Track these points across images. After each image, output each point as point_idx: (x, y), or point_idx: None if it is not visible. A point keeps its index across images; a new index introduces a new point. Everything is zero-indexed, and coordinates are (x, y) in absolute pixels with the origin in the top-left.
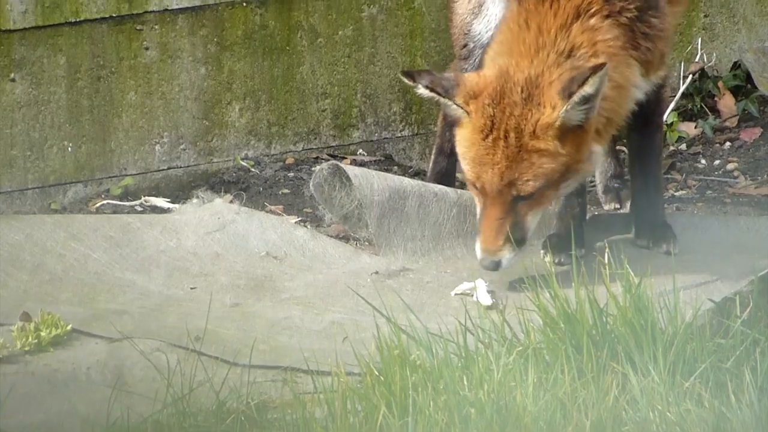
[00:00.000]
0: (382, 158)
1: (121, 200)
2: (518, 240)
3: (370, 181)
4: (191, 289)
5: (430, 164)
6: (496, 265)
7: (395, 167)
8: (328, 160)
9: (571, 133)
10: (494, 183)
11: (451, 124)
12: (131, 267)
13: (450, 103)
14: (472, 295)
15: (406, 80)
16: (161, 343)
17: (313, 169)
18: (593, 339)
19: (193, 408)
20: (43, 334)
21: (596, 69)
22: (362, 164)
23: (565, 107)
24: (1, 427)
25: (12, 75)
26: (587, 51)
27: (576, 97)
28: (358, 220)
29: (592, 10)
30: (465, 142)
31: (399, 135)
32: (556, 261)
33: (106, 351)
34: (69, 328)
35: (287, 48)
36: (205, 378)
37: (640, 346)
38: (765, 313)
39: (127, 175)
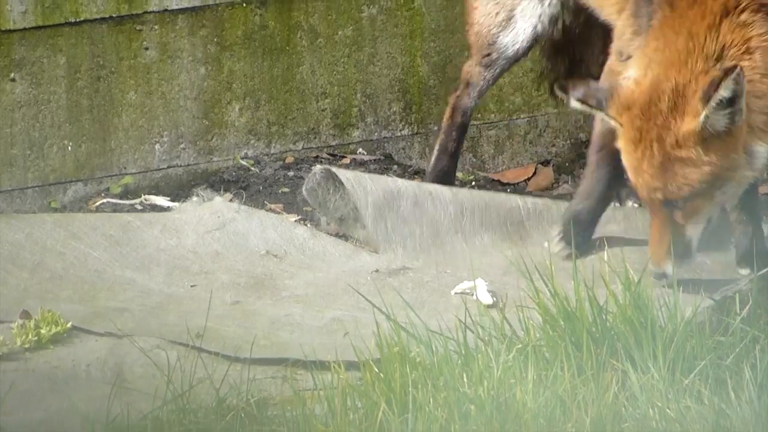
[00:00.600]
0: (382, 157)
1: (121, 199)
2: (679, 252)
3: (363, 184)
4: (191, 287)
5: (432, 161)
6: (661, 277)
7: (395, 166)
8: (328, 159)
9: (716, 140)
10: (644, 193)
11: (460, 125)
12: (131, 265)
13: (602, 115)
14: (472, 294)
15: (560, 93)
16: (161, 341)
17: (312, 168)
18: (593, 336)
19: (193, 405)
20: (43, 331)
21: (728, 71)
22: (362, 163)
23: (703, 113)
24: (0, 425)
25: (12, 75)
26: (738, 49)
27: (713, 102)
28: (354, 222)
29: (742, 5)
30: (623, 153)
31: (399, 134)
32: (564, 253)
33: (106, 348)
34: (69, 325)
35: (287, 48)
36: (205, 375)
37: (640, 343)
38: (765, 310)
39: (127, 174)
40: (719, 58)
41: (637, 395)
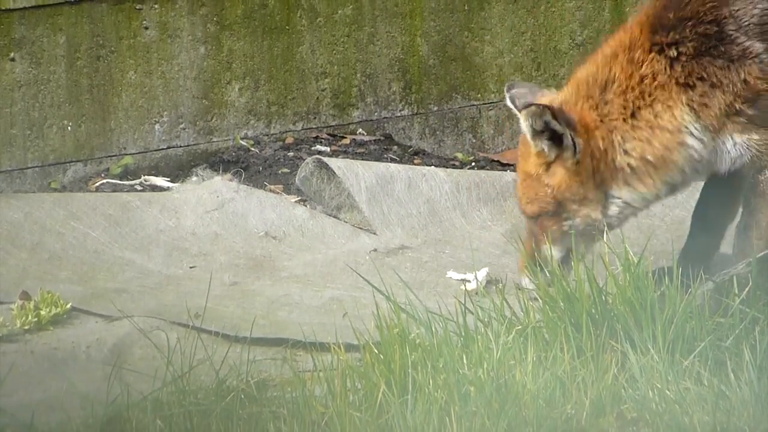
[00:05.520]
0: (382, 138)
1: (120, 179)
2: (533, 257)
3: (355, 170)
4: (190, 268)
5: None
6: (519, 286)
7: (395, 147)
8: (328, 139)
9: (556, 167)
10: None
11: None
12: (130, 246)
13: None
14: (470, 281)
15: (505, 90)
16: (161, 322)
17: (313, 148)
18: (592, 317)
19: (193, 386)
20: (42, 312)
21: (525, 106)
22: (362, 144)
23: (529, 137)
24: (0, 406)
25: (12, 54)
26: (620, 85)
27: (526, 130)
28: (350, 209)
29: (638, 43)
30: None
31: (398, 114)
32: None
33: (105, 329)
34: (68, 306)
35: (287, 27)
36: (204, 356)
37: (640, 324)
38: (764, 291)
39: (126, 155)
40: (604, 90)
41: (637, 377)
